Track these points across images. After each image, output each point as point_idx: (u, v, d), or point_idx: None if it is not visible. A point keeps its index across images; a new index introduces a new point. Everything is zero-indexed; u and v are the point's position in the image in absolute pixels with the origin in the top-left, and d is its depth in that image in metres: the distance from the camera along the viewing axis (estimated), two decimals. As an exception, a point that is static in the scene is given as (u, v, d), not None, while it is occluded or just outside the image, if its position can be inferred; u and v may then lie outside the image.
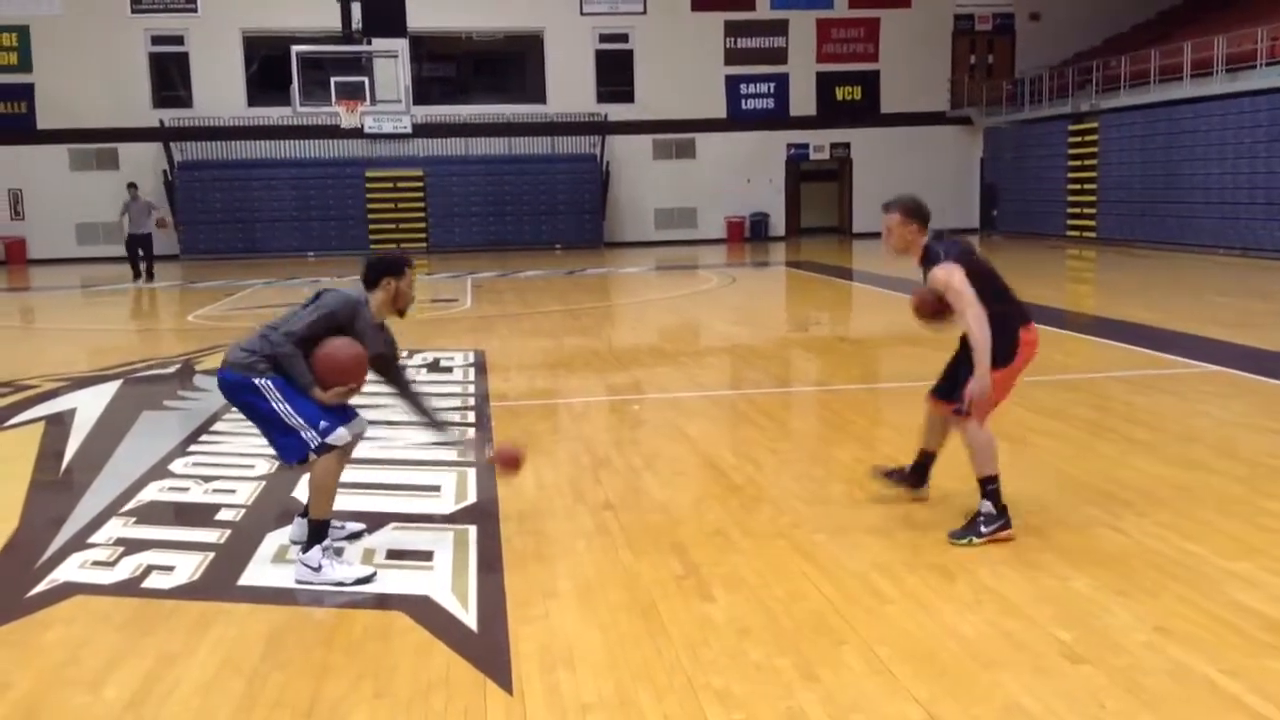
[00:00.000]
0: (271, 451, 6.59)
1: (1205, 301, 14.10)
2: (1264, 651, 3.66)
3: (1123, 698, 3.36)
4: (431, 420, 5.12)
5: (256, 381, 4.54)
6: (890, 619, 4.02)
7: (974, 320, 4.63)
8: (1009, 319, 4.76)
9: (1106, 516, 5.00)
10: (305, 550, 4.59)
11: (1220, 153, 21.36)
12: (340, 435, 4.57)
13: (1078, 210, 26.39)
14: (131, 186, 21.48)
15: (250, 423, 4.74)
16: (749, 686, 3.50)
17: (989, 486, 4.75)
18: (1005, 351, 4.71)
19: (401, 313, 4.81)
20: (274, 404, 4.53)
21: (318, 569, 4.52)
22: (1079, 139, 26.22)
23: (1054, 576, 4.38)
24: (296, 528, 4.98)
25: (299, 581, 4.54)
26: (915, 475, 5.36)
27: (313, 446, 4.52)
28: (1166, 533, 4.84)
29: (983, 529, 4.71)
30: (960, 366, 4.92)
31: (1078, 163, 26.32)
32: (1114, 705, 3.31)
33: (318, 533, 4.59)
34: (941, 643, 3.79)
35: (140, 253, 20.67)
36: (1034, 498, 5.31)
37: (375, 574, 4.58)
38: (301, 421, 4.51)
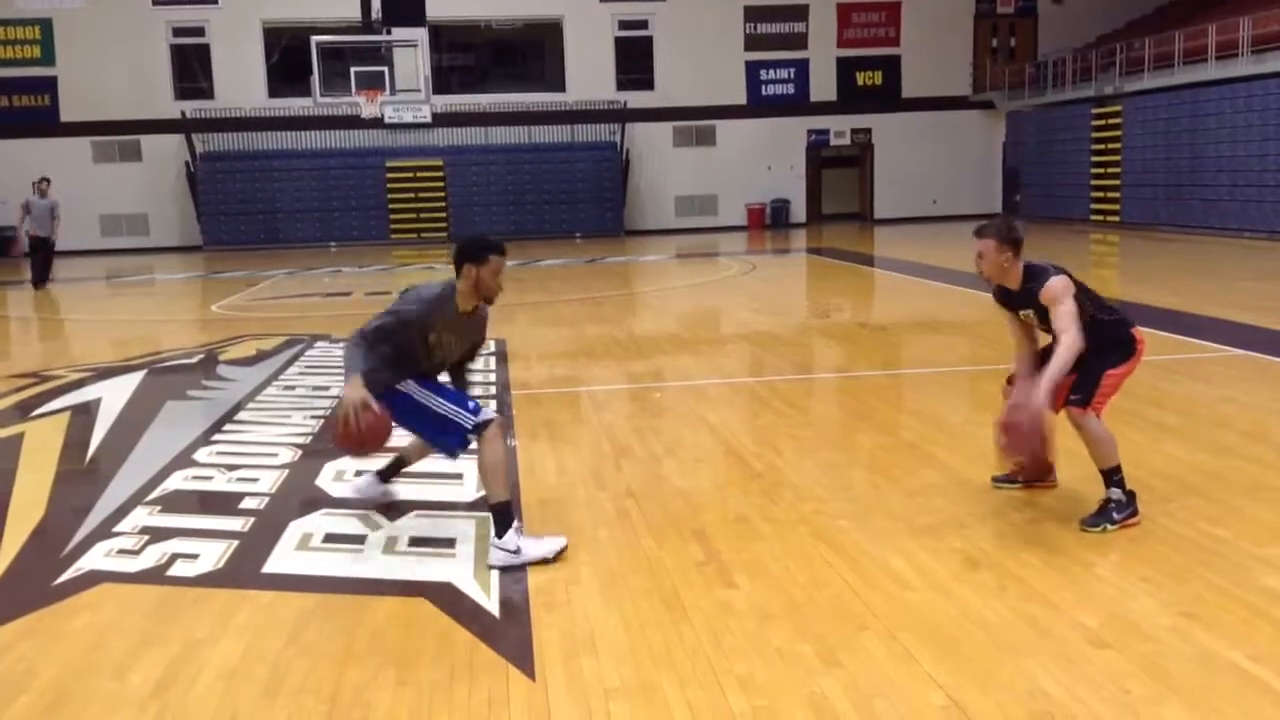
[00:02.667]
0: (297, 440, 6.72)
1: (1231, 286, 13.96)
2: (1292, 637, 3.63)
3: (1147, 683, 3.33)
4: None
5: (396, 388, 4.61)
6: (913, 605, 4.00)
7: (1074, 341, 4.59)
8: (1124, 324, 4.82)
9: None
10: (499, 535, 4.53)
11: (1246, 135, 21.14)
12: (489, 411, 4.66)
13: (1101, 194, 26.17)
14: (42, 181, 18.75)
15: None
16: (771, 672, 3.49)
17: (1115, 477, 4.72)
18: (1127, 350, 4.78)
19: (488, 300, 4.70)
20: (421, 400, 4.60)
21: (517, 551, 4.49)
22: (1102, 122, 26.00)
23: (1079, 563, 4.35)
24: (364, 486, 5.32)
25: (497, 567, 4.47)
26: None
27: (469, 427, 4.55)
28: (1195, 519, 4.80)
29: (1115, 516, 4.68)
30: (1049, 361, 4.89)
31: (1101, 146, 26.09)
32: (1139, 690, 3.29)
33: (505, 517, 4.56)
34: (964, 629, 3.78)
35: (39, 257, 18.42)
36: (1060, 484, 5.27)
37: (566, 544, 4.60)
38: (452, 408, 4.59)
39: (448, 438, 4.67)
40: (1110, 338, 4.76)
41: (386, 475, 5.37)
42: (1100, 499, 4.76)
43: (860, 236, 26.74)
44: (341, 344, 4.67)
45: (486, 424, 4.59)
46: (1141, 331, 4.89)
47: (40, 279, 18.53)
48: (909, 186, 30.93)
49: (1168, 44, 23.66)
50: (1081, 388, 4.72)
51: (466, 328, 4.78)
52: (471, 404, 4.64)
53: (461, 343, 4.83)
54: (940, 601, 4.02)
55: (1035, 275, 4.76)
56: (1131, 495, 4.74)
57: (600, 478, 5.89)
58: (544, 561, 4.49)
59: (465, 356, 4.99)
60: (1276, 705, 3.19)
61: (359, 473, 5.60)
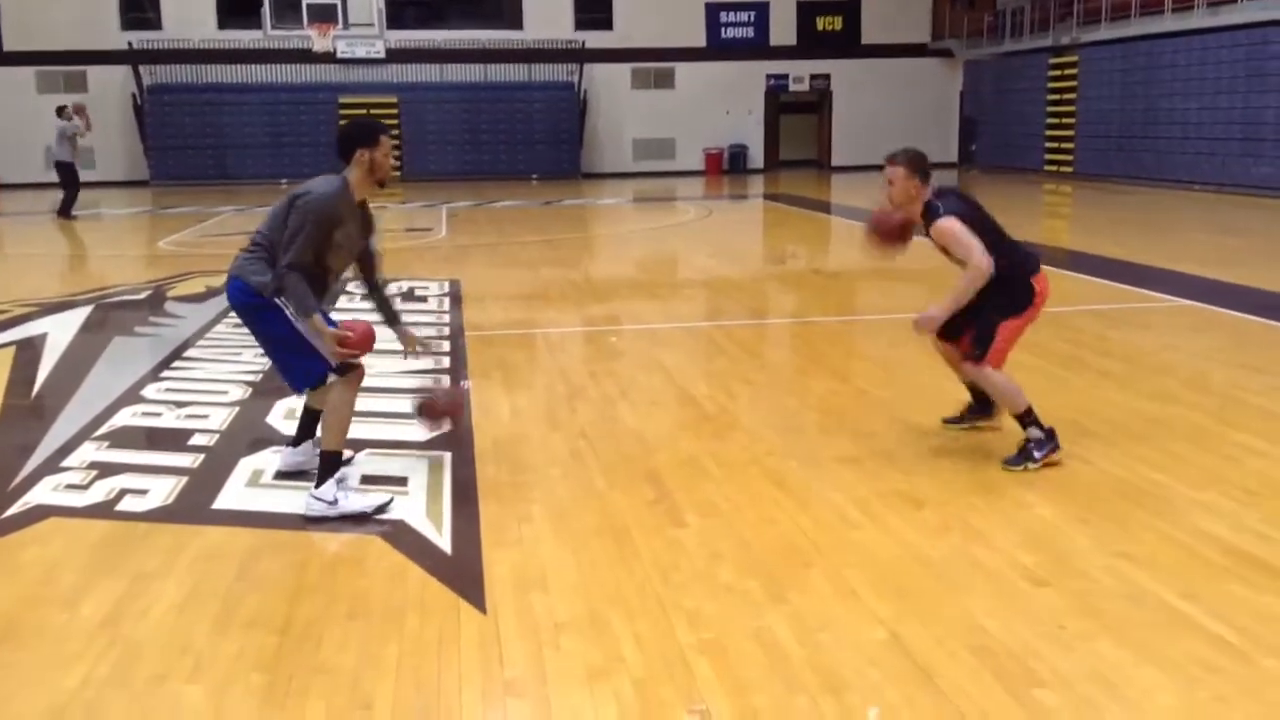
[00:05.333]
0: (247, 378, 6.67)
1: (1179, 237, 14.18)
2: (1222, 576, 3.75)
3: (1082, 619, 3.44)
4: (392, 320, 4.91)
5: (279, 300, 4.36)
6: (858, 544, 4.08)
7: (973, 271, 4.70)
8: (1019, 269, 4.85)
9: (1076, 448, 5.05)
10: (318, 485, 4.41)
11: (1199, 88, 21.32)
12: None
13: (1056, 145, 26.35)
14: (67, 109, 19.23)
15: (253, 343, 4.62)
16: (719, 607, 3.56)
17: (1028, 419, 4.80)
18: (1021, 300, 4.82)
19: (381, 184, 4.56)
20: (298, 323, 4.37)
21: (333, 502, 4.36)
22: (1059, 73, 26.11)
23: (1021, 505, 4.45)
24: (287, 457, 4.92)
25: (311, 517, 4.36)
26: (980, 406, 5.36)
27: (334, 364, 4.39)
28: (1135, 463, 4.92)
29: (1036, 454, 4.77)
30: (965, 309, 4.92)
31: (1057, 97, 26.23)
32: (1073, 626, 3.39)
33: (331, 465, 4.43)
34: (907, 566, 3.86)
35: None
36: (1005, 429, 5.36)
37: (392, 500, 4.48)
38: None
39: (309, 367, 4.45)
40: (1005, 286, 4.78)
41: (301, 438, 4.96)
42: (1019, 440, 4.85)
43: (817, 183, 26.77)
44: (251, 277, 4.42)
45: (351, 368, 4.46)
46: (1045, 280, 4.91)
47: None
48: (866, 133, 30.82)
49: (1125, -5, 23.74)
50: (978, 343, 4.81)
51: (361, 219, 4.61)
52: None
53: (358, 237, 4.61)
54: (885, 540, 4.10)
55: (930, 211, 4.84)
56: (1050, 432, 4.83)
57: (554, 418, 5.91)
58: (362, 516, 4.35)
59: (370, 269, 4.80)
60: (1204, 640, 3.30)
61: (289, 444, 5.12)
